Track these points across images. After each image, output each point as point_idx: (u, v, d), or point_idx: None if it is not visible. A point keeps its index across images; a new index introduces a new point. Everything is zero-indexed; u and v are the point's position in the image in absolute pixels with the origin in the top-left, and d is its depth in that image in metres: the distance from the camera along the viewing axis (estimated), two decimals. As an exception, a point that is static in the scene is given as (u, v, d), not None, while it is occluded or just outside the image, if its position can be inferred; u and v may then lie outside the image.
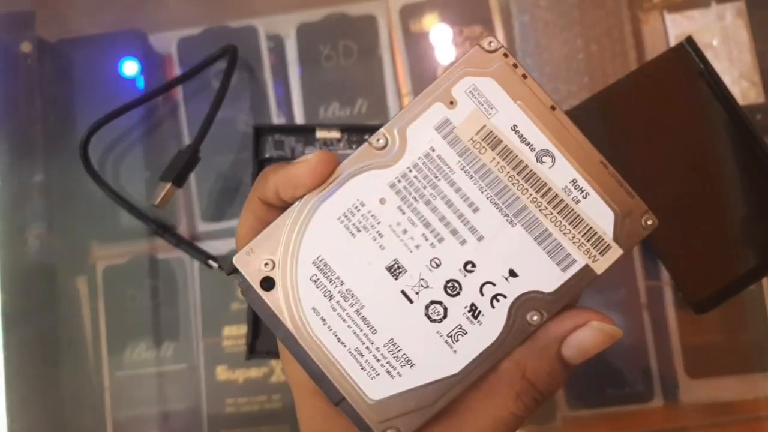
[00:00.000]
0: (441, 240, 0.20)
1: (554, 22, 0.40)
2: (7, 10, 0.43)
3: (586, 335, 0.20)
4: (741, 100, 0.38)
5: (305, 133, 0.37)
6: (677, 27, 0.39)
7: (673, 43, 0.39)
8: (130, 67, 0.41)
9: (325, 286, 0.20)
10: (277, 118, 0.40)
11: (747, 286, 0.33)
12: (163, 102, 0.41)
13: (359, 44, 0.41)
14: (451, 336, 0.20)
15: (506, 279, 0.20)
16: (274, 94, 0.41)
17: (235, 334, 0.38)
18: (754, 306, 0.38)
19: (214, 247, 0.39)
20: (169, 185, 0.35)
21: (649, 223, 0.20)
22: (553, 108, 0.20)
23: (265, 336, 0.35)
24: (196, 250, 0.38)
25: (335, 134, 0.37)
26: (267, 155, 0.37)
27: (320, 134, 0.37)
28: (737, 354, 0.38)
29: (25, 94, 0.41)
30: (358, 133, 0.37)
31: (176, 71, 0.41)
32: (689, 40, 0.32)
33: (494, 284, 0.20)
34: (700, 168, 0.33)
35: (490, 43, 0.20)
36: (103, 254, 0.40)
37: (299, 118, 0.40)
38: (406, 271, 0.20)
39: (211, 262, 0.38)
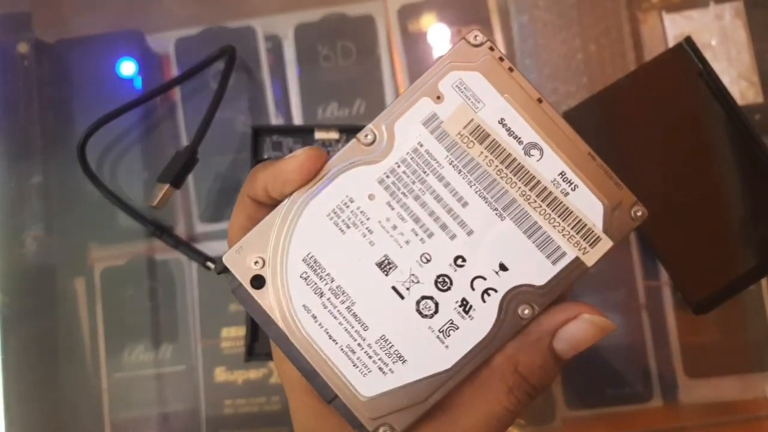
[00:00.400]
0: (431, 235, 0.20)
1: (553, 22, 0.40)
2: (3, 11, 0.42)
3: (578, 328, 0.20)
4: (740, 100, 0.38)
5: (304, 134, 0.37)
6: (676, 27, 0.39)
7: (671, 43, 0.39)
8: (127, 68, 0.41)
9: (315, 284, 0.20)
10: (275, 119, 0.40)
11: (746, 286, 0.33)
12: (161, 103, 0.41)
13: (357, 44, 0.41)
14: (442, 331, 0.20)
15: (497, 273, 0.20)
16: (272, 95, 0.41)
17: (234, 335, 0.38)
18: (753, 306, 0.38)
19: (213, 248, 0.39)
20: (167, 186, 0.35)
21: (639, 214, 0.20)
22: (539, 101, 0.20)
23: (264, 338, 0.35)
24: (194, 252, 0.38)
25: (334, 135, 0.36)
26: (265, 156, 0.37)
27: (319, 135, 0.37)
28: (736, 354, 0.38)
29: (23, 95, 0.41)
30: (357, 133, 0.36)
31: (174, 71, 0.41)
32: (688, 40, 0.32)
33: (485, 278, 0.20)
34: (700, 168, 0.33)
35: (475, 37, 0.20)
36: (101, 255, 0.39)
37: (297, 119, 0.40)
38: (396, 267, 0.20)
39: (209, 263, 0.38)
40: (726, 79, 0.31)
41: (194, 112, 0.40)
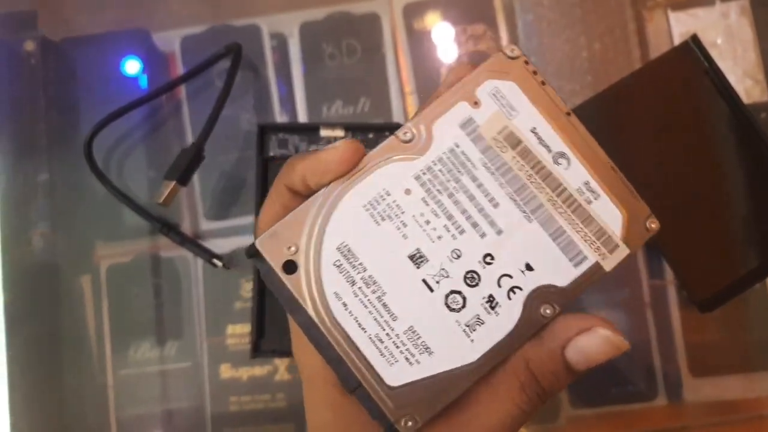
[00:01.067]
0: (462, 232, 0.21)
1: (557, 21, 0.40)
2: (9, 9, 0.43)
3: (590, 341, 0.20)
4: (745, 99, 0.37)
5: (309, 132, 0.37)
6: (681, 25, 0.39)
7: (677, 41, 0.39)
8: (132, 66, 0.41)
9: (348, 272, 0.20)
10: (280, 117, 0.40)
11: (752, 284, 0.33)
12: (167, 101, 0.41)
13: (362, 43, 0.41)
14: (468, 325, 0.20)
15: (522, 272, 0.20)
16: (277, 93, 0.41)
17: (239, 332, 0.38)
18: (758, 305, 0.38)
19: (218, 245, 0.39)
20: (173, 183, 0.35)
21: (653, 226, 0.21)
22: (568, 114, 0.21)
23: (269, 335, 0.36)
24: (200, 249, 0.38)
25: (339, 133, 0.37)
26: (271, 154, 0.37)
27: (324, 133, 0.37)
28: (741, 353, 0.38)
29: (29, 93, 0.41)
30: (362, 131, 0.37)
31: (179, 70, 0.41)
32: (694, 38, 0.32)
33: (511, 277, 0.20)
34: (705, 166, 0.33)
35: (512, 50, 0.21)
36: (107, 253, 0.40)
37: (302, 117, 0.40)
38: (427, 261, 0.20)
39: (215, 260, 0.38)
40: (732, 78, 0.31)
41: (199, 110, 0.40)
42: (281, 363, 0.38)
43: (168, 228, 0.38)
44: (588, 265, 0.21)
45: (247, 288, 0.38)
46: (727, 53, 0.39)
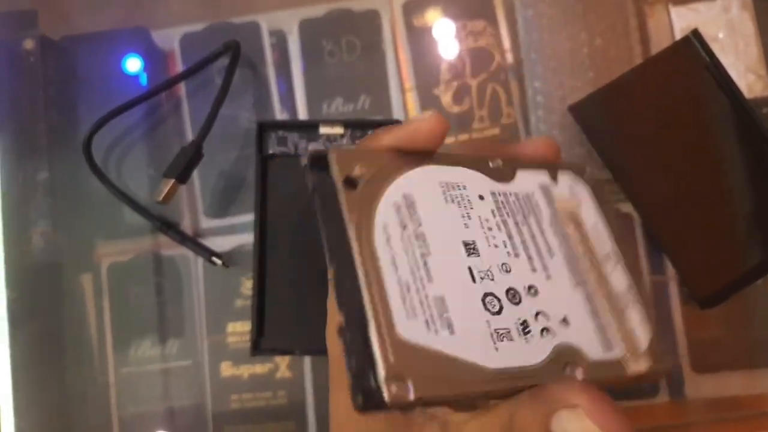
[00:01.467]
0: (517, 255, 0.21)
1: (558, 17, 0.40)
2: (9, 8, 0.43)
3: (572, 423, 0.18)
4: (747, 94, 0.37)
5: (308, 129, 0.37)
6: (683, 20, 0.39)
7: (678, 36, 0.39)
8: (132, 64, 0.41)
9: (403, 217, 0.20)
10: (279, 114, 0.40)
11: (754, 280, 0.33)
12: (166, 99, 0.41)
13: (362, 39, 0.41)
14: (497, 332, 0.19)
15: (559, 321, 0.20)
16: (276, 90, 0.41)
17: (240, 330, 0.38)
18: (759, 301, 0.37)
19: (218, 243, 0.39)
20: (172, 181, 0.35)
21: (666, 363, 0.22)
22: (620, 238, 0.23)
23: (269, 333, 0.35)
24: (199, 247, 0.38)
25: (339, 130, 0.36)
26: (270, 151, 0.37)
27: (324, 130, 0.36)
28: (743, 349, 0.37)
29: (29, 92, 0.41)
30: (361, 128, 0.36)
31: (179, 68, 0.41)
32: (695, 32, 0.32)
33: (548, 319, 0.20)
34: (706, 162, 0.33)
35: (586, 167, 0.25)
36: (108, 251, 0.40)
37: (302, 114, 0.40)
38: (479, 255, 0.20)
39: (214, 258, 0.38)
40: (733, 73, 0.31)
41: (199, 107, 0.40)
42: (282, 361, 0.38)
43: (167, 226, 0.38)
44: (614, 356, 0.20)
45: (247, 286, 0.38)
46: (729, 48, 0.38)
